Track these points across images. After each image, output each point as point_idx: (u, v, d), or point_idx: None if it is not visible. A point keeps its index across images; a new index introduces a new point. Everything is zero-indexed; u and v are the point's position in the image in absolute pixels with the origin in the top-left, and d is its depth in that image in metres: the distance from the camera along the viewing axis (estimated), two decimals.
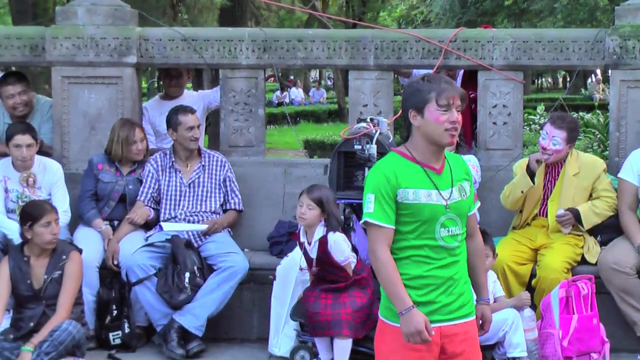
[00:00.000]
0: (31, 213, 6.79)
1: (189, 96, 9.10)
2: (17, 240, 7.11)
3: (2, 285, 6.80)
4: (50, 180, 7.67)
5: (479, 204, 4.72)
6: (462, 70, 8.68)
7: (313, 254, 6.79)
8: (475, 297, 4.73)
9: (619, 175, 7.48)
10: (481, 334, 4.70)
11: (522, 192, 7.33)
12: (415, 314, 4.40)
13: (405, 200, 4.47)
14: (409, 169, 4.50)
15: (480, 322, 4.70)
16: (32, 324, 6.75)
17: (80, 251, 7.01)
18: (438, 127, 4.43)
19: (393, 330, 4.52)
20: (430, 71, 8.09)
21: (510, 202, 7.48)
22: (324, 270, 6.76)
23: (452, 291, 4.51)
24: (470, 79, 8.56)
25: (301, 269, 7.01)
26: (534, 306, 7.12)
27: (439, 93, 4.43)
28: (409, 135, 4.55)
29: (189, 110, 7.79)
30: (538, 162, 7.31)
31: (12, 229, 7.24)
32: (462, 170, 4.59)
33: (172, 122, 7.79)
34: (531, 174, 7.31)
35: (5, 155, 7.75)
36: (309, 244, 6.83)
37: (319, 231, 6.81)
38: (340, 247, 6.64)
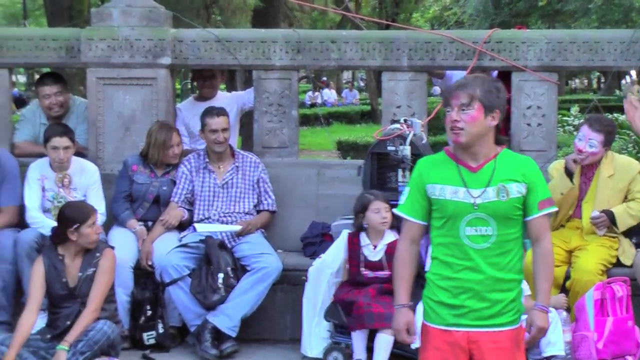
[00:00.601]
0: (76, 216, 6.79)
1: (222, 97, 9.12)
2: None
3: (37, 284, 6.83)
4: (87, 182, 7.71)
5: (552, 209, 4.57)
6: (496, 72, 8.65)
7: (375, 257, 6.83)
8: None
9: None
10: (529, 341, 4.63)
11: (561, 193, 7.27)
12: (401, 313, 4.59)
13: (433, 195, 4.53)
14: (444, 166, 4.54)
15: (531, 328, 4.59)
16: (68, 323, 6.76)
17: (112, 248, 7.04)
18: (447, 127, 4.48)
19: (425, 328, 4.61)
20: (464, 72, 8.12)
21: None
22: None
23: (485, 297, 4.47)
24: (505, 80, 8.53)
25: (360, 270, 7.02)
26: (567, 308, 7.09)
27: (446, 94, 4.51)
28: None
29: (216, 112, 7.79)
30: (575, 162, 7.27)
31: (49, 223, 7.28)
32: (516, 172, 4.49)
33: (201, 123, 7.83)
34: (569, 174, 7.28)
35: (42, 155, 7.79)
36: (374, 247, 6.86)
37: (389, 235, 6.87)
38: None
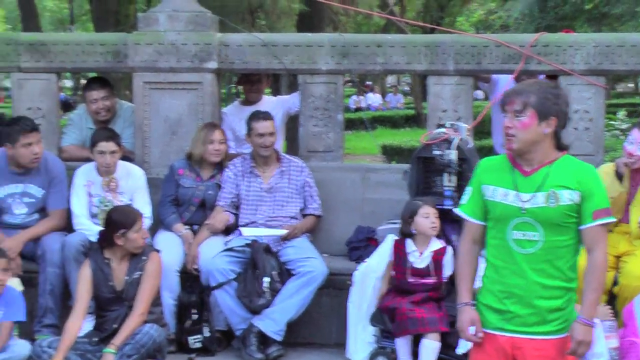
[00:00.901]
0: (123, 221, 6.84)
1: (268, 102, 9.13)
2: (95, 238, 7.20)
3: (84, 288, 6.88)
4: (133, 186, 7.75)
5: (608, 220, 4.49)
6: (543, 76, 8.60)
7: (422, 264, 6.83)
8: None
9: None
10: (572, 352, 4.53)
11: (612, 197, 7.20)
12: (464, 311, 4.59)
13: (486, 196, 4.56)
14: (501, 168, 4.55)
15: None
16: (115, 326, 6.80)
17: (158, 252, 7.07)
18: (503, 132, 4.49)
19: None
20: (510, 76, 8.10)
21: None
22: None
23: (530, 302, 4.44)
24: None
25: (405, 277, 7.01)
26: (616, 313, 7.05)
27: (502, 99, 4.49)
28: None
29: (263, 116, 7.81)
30: (626, 165, 7.20)
31: (95, 229, 7.32)
32: (570, 179, 4.43)
33: (248, 127, 7.85)
34: (620, 178, 7.21)
35: (89, 159, 7.84)
36: (420, 254, 6.87)
37: (435, 243, 6.92)
38: (452, 262, 6.69)
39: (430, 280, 6.87)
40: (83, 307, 6.87)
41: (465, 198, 4.73)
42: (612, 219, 4.57)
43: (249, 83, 9.01)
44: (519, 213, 4.44)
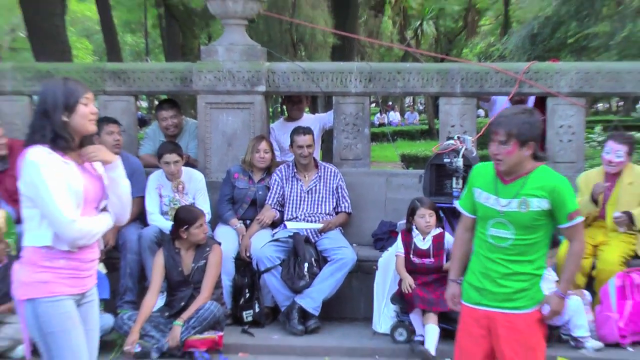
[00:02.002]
0: (187, 218, 6.90)
1: (307, 118, 9.12)
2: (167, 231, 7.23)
3: (158, 272, 6.94)
4: (195, 188, 7.76)
5: (579, 220, 4.47)
6: (534, 97, 8.55)
7: (424, 246, 6.85)
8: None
9: None
10: (546, 318, 4.52)
11: (587, 214, 7.20)
12: (450, 286, 4.80)
13: (474, 197, 4.60)
14: (488, 174, 4.56)
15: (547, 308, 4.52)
16: (182, 304, 6.86)
17: (219, 244, 7.09)
18: (490, 154, 4.50)
19: (461, 305, 4.70)
20: (506, 97, 8.08)
21: None
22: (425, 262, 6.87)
23: (502, 284, 4.45)
24: (541, 103, 8.43)
25: (410, 257, 7.01)
26: (593, 293, 7.04)
27: (490, 128, 4.51)
28: None
29: (303, 131, 7.79)
30: (600, 193, 7.23)
31: (167, 227, 7.36)
32: (541, 189, 4.39)
33: (290, 140, 7.85)
34: (595, 201, 7.25)
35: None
36: (423, 238, 6.92)
37: (436, 229, 6.99)
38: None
39: (430, 261, 6.89)
40: (157, 287, 6.91)
41: (462, 194, 4.78)
42: (582, 218, 4.55)
43: (292, 103, 9.01)
44: (497, 214, 4.45)
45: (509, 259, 4.45)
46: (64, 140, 4.09)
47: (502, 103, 8.53)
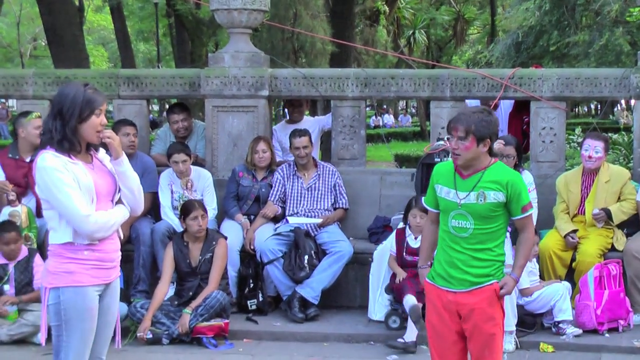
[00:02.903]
0: (184, 210, 6.99)
1: (307, 121, 9.10)
2: (179, 229, 7.23)
3: (168, 263, 6.95)
4: (203, 185, 7.75)
5: (531, 212, 4.54)
6: (513, 101, 8.54)
7: (415, 245, 6.84)
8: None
9: (638, 199, 7.32)
10: (502, 294, 4.52)
11: (561, 251, 7.31)
12: (422, 272, 4.80)
13: (437, 192, 4.62)
14: (448, 172, 4.59)
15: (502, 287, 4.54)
16: (190, 294, 6.87)
17: (226, 238, 7.08)
18: (450, 150, 4.55)
19: (427, 285, 4.70)
20: (477, 102, 8.14)
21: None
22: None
23: (467, 270, 4.47)
24: (523, 106, 8.41)
25: (403, 255, 7.00)
26: (573, 283, 7.04)
27: (449, 125, 4.54)
28: None
29: (299, 134, 7.76)
30: (573, 237, 7.24)
31: (176, 222, 7.37)
32: (496, 183, 4.44)
33: (289, 142, 7.85)
34: (570, 245, 7.27)
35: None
36: (415, 238, 6.90)
37: None
38: None
39: None
40: (167, 278, 6.93)
41: (427, 193, 4.79)
42: (533, 210, 4.64)
43: (293, 106, 8.99)
44: (456, 207, 4.47)
45: (471, 247, 4.47)
46: (70, 143, 4.11)
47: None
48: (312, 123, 8.95)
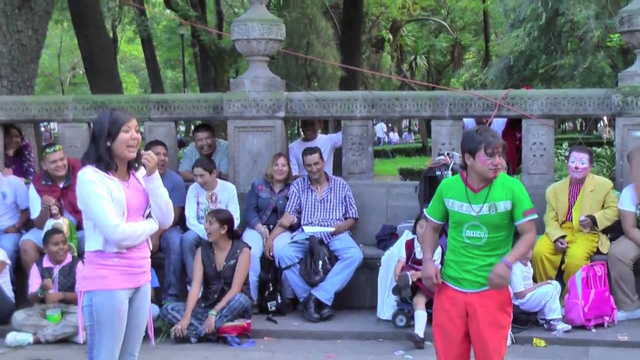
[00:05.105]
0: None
1: (320, 139, 9.12)
2: (205, 237, 7.22)
3: (198, 267, 6.96)
4: (227, 197, 7.76)
5: (532, 217, 4.48)
6: (506, 119, 8.53)
7: (421, 256, 6.79)
8: None
9: (620, 207, 7.28)
10: (490, 281, 4.43)
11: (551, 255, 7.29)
12: (429, 264, 4.64)
13: (448, 206, 4.55)
14: (457, 186, 4.54)
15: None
16: (215, 296, 6.87)
17: (250, 248, 7.08)
18: (485, 167, 4.41)
19: (441, 285, 4.63)
20: (472, 120, 8.07)
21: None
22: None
23: (479, 274, 4.45)
24: (515, 124, 8.41)
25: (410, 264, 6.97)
26: (563, 284, 7.03)
27: (487, 145, 4.40)
28: (467, 165, 4.51)
29: (309, 152, 7.77)
30: (562, 242, 7.22)
31: (201, 229, 7.36)
32: (504, 193, 4.43)
33: (302, 159, 7.88)
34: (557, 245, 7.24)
35: None
36: (421, 249, 6.85)
37: None
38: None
39: None
40: (198, 282, 6.95)
41: (429, 204, 4.73)
42: (536, 216, 4.54)
43: (307, 126, 9.03)
44: (472, 219, 4.44)
45: (484, 254, 4.46)
46: (105, 162, 4.17)
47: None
48: (324, 140, 8.98)
